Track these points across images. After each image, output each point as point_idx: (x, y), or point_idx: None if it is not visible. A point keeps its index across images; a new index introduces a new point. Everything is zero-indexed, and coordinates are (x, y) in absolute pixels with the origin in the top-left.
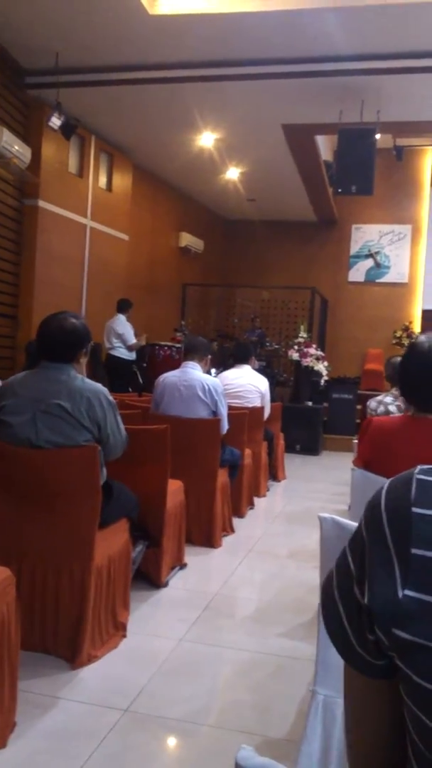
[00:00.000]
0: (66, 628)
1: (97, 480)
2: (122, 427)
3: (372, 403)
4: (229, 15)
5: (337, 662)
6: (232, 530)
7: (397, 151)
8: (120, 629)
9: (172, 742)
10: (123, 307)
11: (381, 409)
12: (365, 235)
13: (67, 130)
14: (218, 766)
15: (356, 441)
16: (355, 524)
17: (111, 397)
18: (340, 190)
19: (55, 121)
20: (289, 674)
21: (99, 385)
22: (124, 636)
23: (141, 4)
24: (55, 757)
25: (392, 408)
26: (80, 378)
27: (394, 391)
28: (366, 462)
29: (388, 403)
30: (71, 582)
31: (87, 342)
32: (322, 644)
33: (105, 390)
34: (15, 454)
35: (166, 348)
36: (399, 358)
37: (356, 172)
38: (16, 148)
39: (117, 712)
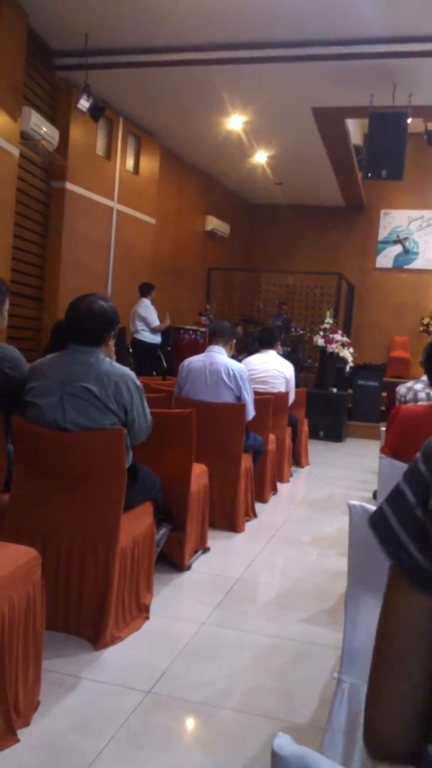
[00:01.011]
0: (90, 608)
1: (122, 462)
2: (148, 411)
3: (402, 389)
4: None
5: (362, 649)
6: (255, 515)
7: (429, 136)
8: (143, 611)
9: (193, 724)
10: (145, 290)
11: (410, 396)
12: (394, 220)
13: (96, 112)
14: (240, 750)
15: (384, 429)
16: None
17: (138, 382)
18: (369, 175)
19: (84, 103)
20: (310, 660)
21: (127, 369)
22: (147, 618)
23: None
24: (78, 736)
25: (422, 395)
26: (108, 361)
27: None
28: (394, 450)
29: (418, 390)
30: (96, 563)
31: (115, 325)
32: (349, 631)
33: (132, 374)
34: (42, 436)
35: (190, 332)
36: None
37: (387, 156)
38: (44, 129)
39: (139, 693)
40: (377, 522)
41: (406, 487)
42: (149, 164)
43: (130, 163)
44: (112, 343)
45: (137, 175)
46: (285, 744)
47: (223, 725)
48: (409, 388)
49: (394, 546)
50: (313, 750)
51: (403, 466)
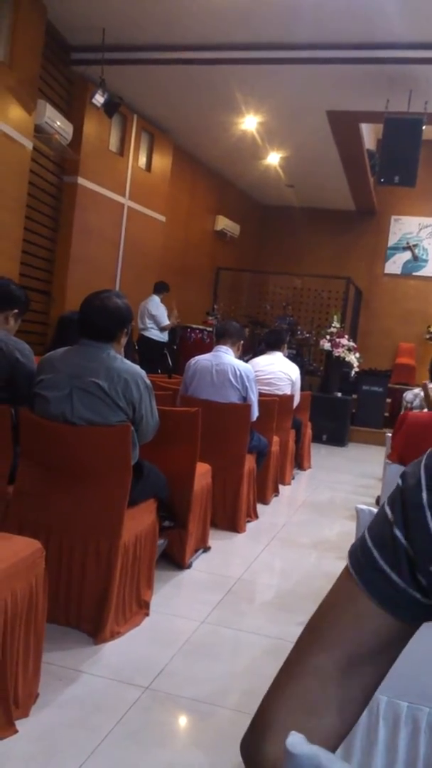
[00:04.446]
0: (91, 603)
1: (128, 459)
2: (156, 411)
3: (408, 395)
4: None
5: None
6: (256, 516)
7: None
8: (143, 607)
9: (190, 722)
10: (159, 289)
11: (417, 402)
12: (404, 226)
13: (110, 108)
14: (236, 749)
15: (389, 435)
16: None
17: (148, 381)
18: (382, 180)
19: (99, 99)
20: None
21: (137, 367)
22: (147, 614)
23: None
24: (76, 729)
25: None
26: (119, 359)
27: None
28: (400, 457)
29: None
30: (98, 558)
31: (129, 323)
32: None
33: (143, 373)
34: (49, 429)
35: (197, 331)
36: None
37: (400, 162)
38: (58, 124)
39: (138, 689)
40: (356, 550)
41: (388, 508)
42: (162, 162)
43: (142, 160)
44: (124, 340)
45: (149, 172)
46: (298, 743)
47: (220, 724)
48: (416, 395)
49: (369, 567)
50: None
51: None
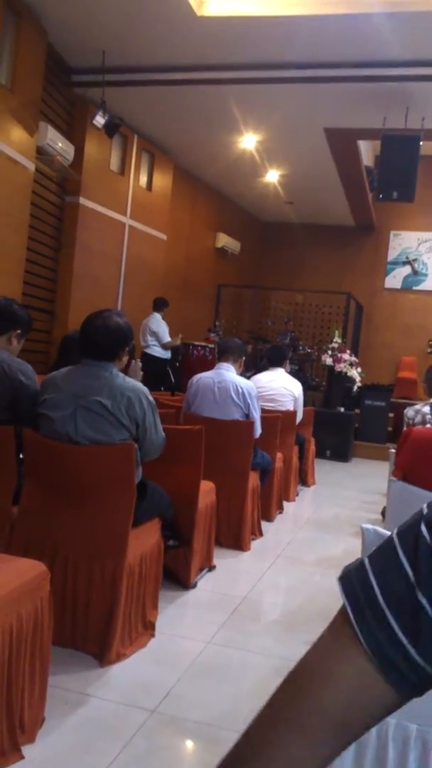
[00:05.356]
0: (96, 624)
1: (132, 478)
2: (160, 428)
3: (410, 412)
4: (281, 18)
5: None
6: (261, 534)
7: None
8: (149, 628)
9: (198, 746)
10: (159, 305)
11: (418, 418)
12: (403, 241)
13: (111, 128)
14: None
15: (393, 451)
16: None
17: (151, 398)
18: (381, 196)
19: (99, 120)
20: None
21: (140, 385)
22: (153, 636)
23: (189, 5)
24: (83, 754)
25: (430, 417)
26: (121, 376)
27: None
28: (404, 473)
29: (426, 412)
30: (103, 579)
31: (130, 341)
32: None
33: (146, 390)
34: (53, 449)
35: (199, 348)
36: None
37: (398, 178)
38: (60, 145)
39: (144, 712)
40: (358, 595)
41: (404, 556)
42: (162, 181)
43: (143, 179)
44: (125, 358)
45: (150, 191)
46: None
47: (226, 747)
48: (417, 411)
49: (381, 630)
50: None
51: (414, 490)
